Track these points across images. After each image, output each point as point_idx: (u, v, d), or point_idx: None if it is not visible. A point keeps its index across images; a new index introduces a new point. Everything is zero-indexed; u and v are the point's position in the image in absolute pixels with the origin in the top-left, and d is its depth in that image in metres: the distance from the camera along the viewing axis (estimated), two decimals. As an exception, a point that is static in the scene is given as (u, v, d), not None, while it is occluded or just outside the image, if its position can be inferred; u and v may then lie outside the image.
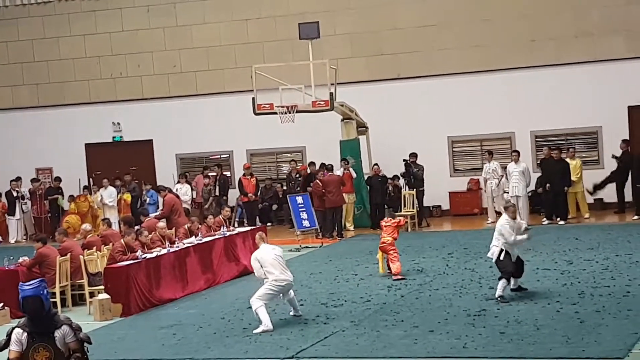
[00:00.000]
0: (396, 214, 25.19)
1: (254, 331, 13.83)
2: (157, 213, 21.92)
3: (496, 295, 14.64)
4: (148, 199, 26.49)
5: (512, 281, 15.04)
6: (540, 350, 11.64)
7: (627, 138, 24.63)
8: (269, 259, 13.99)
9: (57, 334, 8.23)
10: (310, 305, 15.25)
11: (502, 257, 14.71)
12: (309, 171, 25.97)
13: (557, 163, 23.85)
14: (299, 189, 25.40)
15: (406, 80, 27.08)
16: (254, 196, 26.52)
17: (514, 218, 14.98)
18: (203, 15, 28.68)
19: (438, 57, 26.84)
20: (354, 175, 25.30)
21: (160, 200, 23.03)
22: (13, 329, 8.31)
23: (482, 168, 25.88)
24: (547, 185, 23.81)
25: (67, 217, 26.66)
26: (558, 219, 23.72)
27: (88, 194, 27.54)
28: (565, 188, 23.66)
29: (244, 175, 26.85)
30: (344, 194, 24.55)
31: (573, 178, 23.93)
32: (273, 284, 13.92)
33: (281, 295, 14.20)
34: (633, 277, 15.82)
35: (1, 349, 8.36)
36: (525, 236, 15.05)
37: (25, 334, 8.20)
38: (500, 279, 14.72)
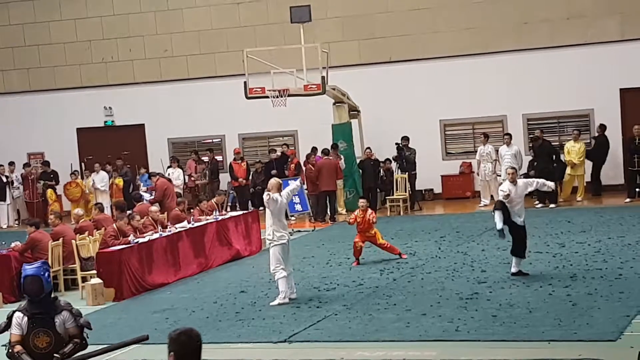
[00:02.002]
0: (388, 197, 25.26)
1: (271, 303, 14.07)
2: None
3: (511, 272, 14.91)
4: (142, 184, 26.40)
5: (513, 264, 15.07)
6: (533, 333, 11.67)
7: (604, 124, 24.73)
8: (284, 205, 14.72)
9: (58, 319, 8.24)
10: (302, 289, 15.25)
11: (505, 232, 14.87)
12: (279, 154, 26.07)
13: (540, 146, 24.03)
14: (274, 171, 25.28)
15: (398, 64, 27.00)
16: (244, 181, 26.52)
17: (514, 181, 15.09)
18: (194, -2, 28.58)
19: (430, 40, 26.77)
20: (343, 166, 25.09)
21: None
22: (14, 312, 8.31)
23: (474, 151, 25.87)
24: (532, 171, 24.11)
25: (51, 206, 26.42)
26: (549, 201, 23.78)
27: (79, 179, 27.34)
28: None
29: (234, 160, 26.83)
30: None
31: (575, 161, 24.15)
32: (275, 245, 14.33)
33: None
34: (625, 260, 15.84)
35: (1, 331, 8.38)
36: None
37: (26, 318, 8.21)
38: (512, 254, 14.97)
